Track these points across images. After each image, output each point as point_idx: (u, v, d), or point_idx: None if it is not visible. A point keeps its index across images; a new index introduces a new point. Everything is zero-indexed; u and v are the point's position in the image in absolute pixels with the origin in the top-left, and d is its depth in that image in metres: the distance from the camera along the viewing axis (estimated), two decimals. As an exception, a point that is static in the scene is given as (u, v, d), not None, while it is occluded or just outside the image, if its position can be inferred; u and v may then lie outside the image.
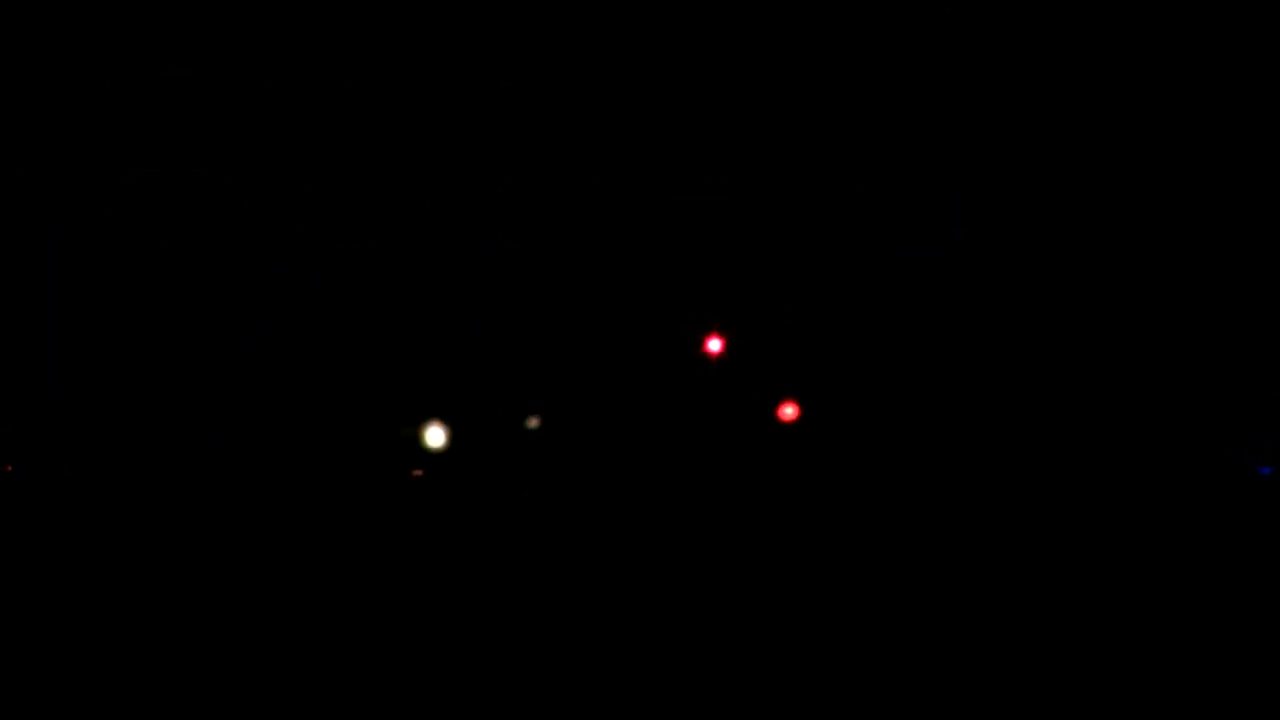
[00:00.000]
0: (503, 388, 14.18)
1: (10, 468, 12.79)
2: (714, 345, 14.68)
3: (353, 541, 13.55)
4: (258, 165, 13.14)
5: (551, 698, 9.10)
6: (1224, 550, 13.00)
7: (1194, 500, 13.91)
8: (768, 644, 10.15)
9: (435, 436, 13.96)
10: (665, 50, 13.42)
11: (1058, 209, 14.17)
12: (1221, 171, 13.55)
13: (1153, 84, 13.56)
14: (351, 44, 13.03)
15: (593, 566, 13.19)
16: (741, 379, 14.99)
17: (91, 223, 12.92)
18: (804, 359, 14.98)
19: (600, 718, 8.94)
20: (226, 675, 9.62)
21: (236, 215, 13.24)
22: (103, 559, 12.50)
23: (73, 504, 12.77)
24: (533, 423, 14.34)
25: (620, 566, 13.19)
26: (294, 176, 13.26)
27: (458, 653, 10.15)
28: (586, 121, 13.53)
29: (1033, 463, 14.63)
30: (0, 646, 10.20)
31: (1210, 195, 13.71)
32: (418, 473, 14.00)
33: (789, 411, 15.01)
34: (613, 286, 14.19)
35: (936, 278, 14.52)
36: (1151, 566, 12.66)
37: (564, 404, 14.34)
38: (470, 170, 13.61)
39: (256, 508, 13.41)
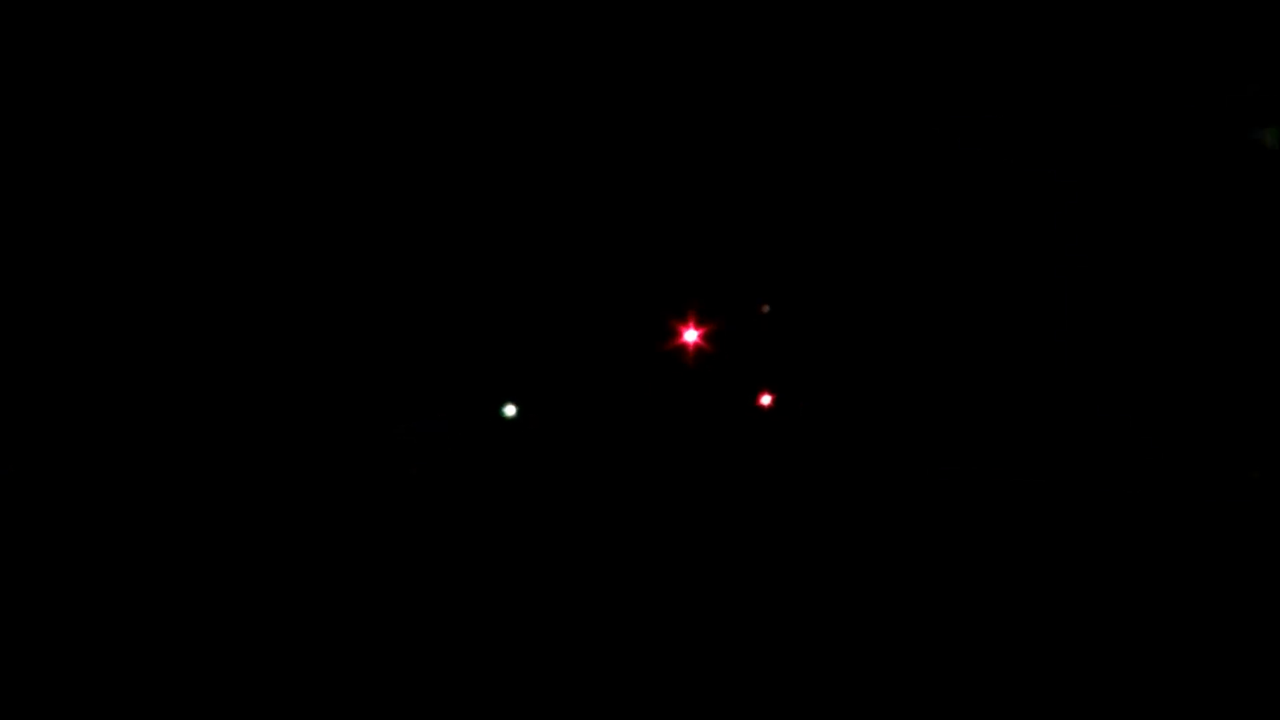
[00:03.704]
0: (497, 384, 14.24)
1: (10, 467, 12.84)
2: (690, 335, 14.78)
3: (350, 538, 13.60)
4: (257, 164, 13.19)
5: (545, 685, 9.18)
6: (1209, 549, 13.09)
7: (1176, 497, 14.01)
8: (762, 635, 10.24)
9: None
10: (655, 53, 13.49)
11: (1039, 207, 14.25)
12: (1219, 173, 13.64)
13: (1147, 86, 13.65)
14: (351, 44, 13.08)
15: (586, 556, 13.26)
16: (721, 369, 15.10)
17: (90, 221, 12.95)
18: (783, 351, 15.06)
19: (592, 705, 9.01)
20: (225, 673, 9.67)
21: (235, 214, 13.28)
22: (101, 558, 12.54)
23: (72, 504, 12.82)
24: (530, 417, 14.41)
25: (611, 554, 13.27)
26: (293, 175, 13.31)
27: (453, 643, 10.21)
28: (580, 122, 13.59)
29: (1017, 460, 14.72)
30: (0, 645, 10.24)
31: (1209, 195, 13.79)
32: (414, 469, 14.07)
33: (766, 400, 15.14)
34: (603, 283, 14.26)
35: (929, 277, 14.60)
36: (1128, 557, 12.76)
37: (553, 396, 14.41)
38: (465, 170, 13.67)
39: (254, 506, 13.46)
